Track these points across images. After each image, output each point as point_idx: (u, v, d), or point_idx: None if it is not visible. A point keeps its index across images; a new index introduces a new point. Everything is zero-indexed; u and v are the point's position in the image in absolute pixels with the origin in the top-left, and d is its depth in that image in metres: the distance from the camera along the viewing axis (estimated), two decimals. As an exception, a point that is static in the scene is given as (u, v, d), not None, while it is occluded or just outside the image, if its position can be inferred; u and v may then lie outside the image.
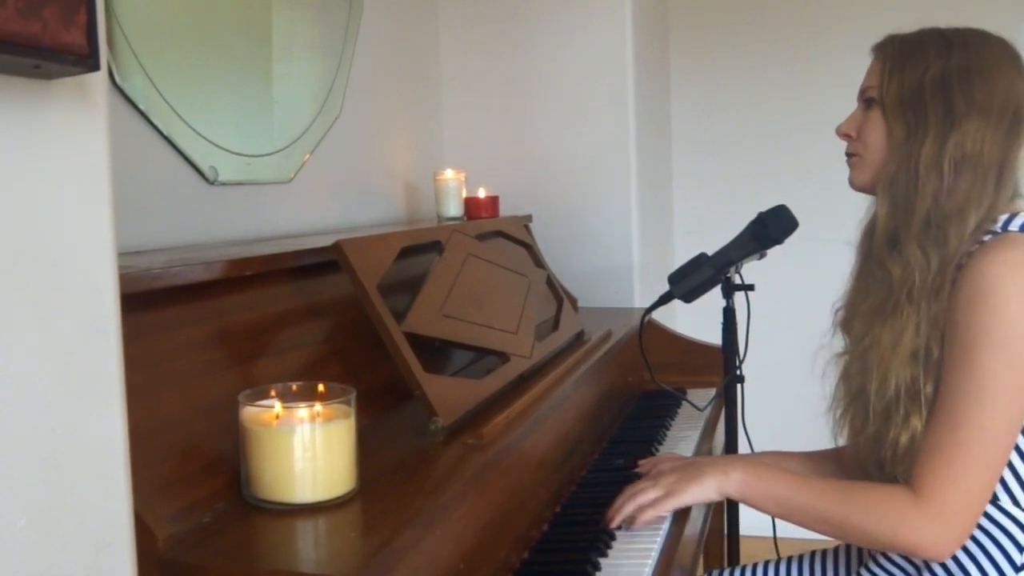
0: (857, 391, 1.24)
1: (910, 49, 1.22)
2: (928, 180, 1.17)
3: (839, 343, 1.32)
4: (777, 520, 1.64)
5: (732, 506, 1.73)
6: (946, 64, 1.18)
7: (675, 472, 1.31)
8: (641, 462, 1.53)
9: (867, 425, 1.22)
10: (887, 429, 1.19)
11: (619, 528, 1.29)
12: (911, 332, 1.16)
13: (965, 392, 1.10)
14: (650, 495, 1.29)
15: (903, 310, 1.17)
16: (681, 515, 1.35)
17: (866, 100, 1.27)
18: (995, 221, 1.16)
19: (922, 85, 1.19)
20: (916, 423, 1.16)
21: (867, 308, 1.25)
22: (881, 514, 1.14)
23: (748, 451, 1.68)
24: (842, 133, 1.30)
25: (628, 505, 1.29)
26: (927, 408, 1.15)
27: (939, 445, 1.11)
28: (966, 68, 1.17)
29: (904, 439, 1.16)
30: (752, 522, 1.58)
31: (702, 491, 1.29)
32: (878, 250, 1.24)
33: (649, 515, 1.28)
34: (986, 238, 1.15)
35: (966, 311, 1.10)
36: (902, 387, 1.17)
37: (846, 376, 1.27)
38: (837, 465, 1.40)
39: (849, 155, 1.30)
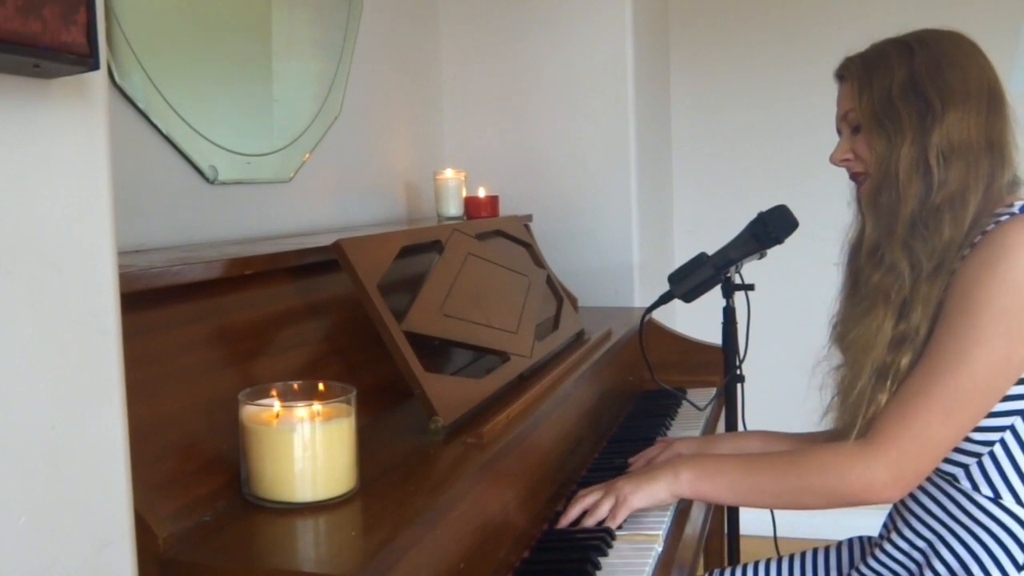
0: (843, 366, 1.26)
1: (872, 62, 1.23)
2: (910, 183, 1.18)
3: (836, 356, 1.32)
4: (776, 519, 1.66)
5: (732, 516, 1.73)
6: (911, 65, 1.19)
7: (627, 480, 1.31)
8: (631, 460, 1.53)
9: (841, 411, 1.24)
10: (855, 412, 1.20)
11: (620, 528, 1.29)
12: (888, 328, 1.17)
13: (952, 349, 1.10)
14: (604, 508, 1.28)
15: (878, 310, 1.19)
16: (681, 515, 1.36)
17: (850, 124, 1.27)
18: (1010, 205, 1.17)
19: (891, 93, 1.19)
20: (881, 398, 1.17)
21: (853, 315, 1.26)
22: (832, 467, 1.16)
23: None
24: (838, 160, 1.29)
25: (587, 521, 1.28)
26: (896, 383, 1.16)
27: (909, 394, 1.13)
28: (934, 63, 1.18)
29: (870, 413, 1.18)
30: (752, 522, 1.59)
31: (653, 495, 1.28)
32: (863, 262, 1.24)
33: (609, 523, 1.27)
34: (1003, 218, 1.15)
35: (973, 275, 1.11)
36: (875, 374, 1.18)
37: (842, 391, 1.27)
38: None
39: (856, 176, 1.29)
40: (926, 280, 1.16)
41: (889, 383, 1.17)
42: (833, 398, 1.29)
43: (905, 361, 1.16)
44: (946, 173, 1.16)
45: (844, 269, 1.33)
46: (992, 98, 1.19)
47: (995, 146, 1.18)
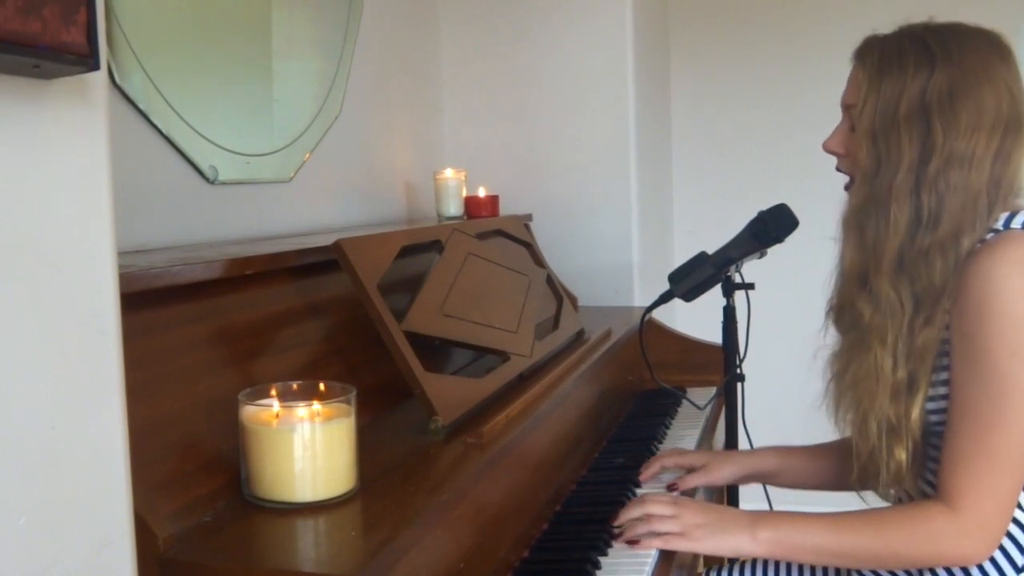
0: (844, 397, 1.23)
1: (889, 61, 1.15)
2: (902, 214, 1.13)
3: (833, 338, 1.31)
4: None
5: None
6: (926, 84, 1.12)
7: (700, 515, 1.22)
8: (643, 468, 1.51)
9: (856, 457, 1.21)
10: (874, 463, 1.18)
11: (618, 528, 1.28)
12: (887, 371, 1.15)
13: (986, 400, 1.07)
14: (667, 526, 1.21)
15: (876, 352, 1.16)
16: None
17: (850, 117, 1.22)
18: (996, 219, 1.13)
19: (897, 108, 1.13)
20: (901, 454, 1.15)
21: (845, 345, 1.23)
22: (922, 536, 1.12)
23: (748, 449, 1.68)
24: (829, 150, 1.25)
25: (640, 527, 1.22)
26: (910, 437, 1.15)
27: (968, 456, 1.09)
28: (949, 88, 1.11)
29: (892, 467, 1.16)
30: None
31: (724, 547, 1.19)
32: (848, 288, 1.21)
33: (655, 544, 1.21)
34: (988, 236, 1.12)
35: (975, 316, 1.08)
36: (883, 427, 1.16)
37: (837, 377, 1.25)
38: (839, 456, 1.39)
39: (842, 171, 1.25)
40: (922, 328, 1.13)
41: (905, 437, 1.15)
42: (829, 382, 1.28)
43: (915, 414, 1.14)
44: (939, 210, 1.12)
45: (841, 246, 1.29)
46: (1009, 127, 1.12)
47: (1001, 181, 1.13)
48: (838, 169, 1.27)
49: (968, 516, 1.10)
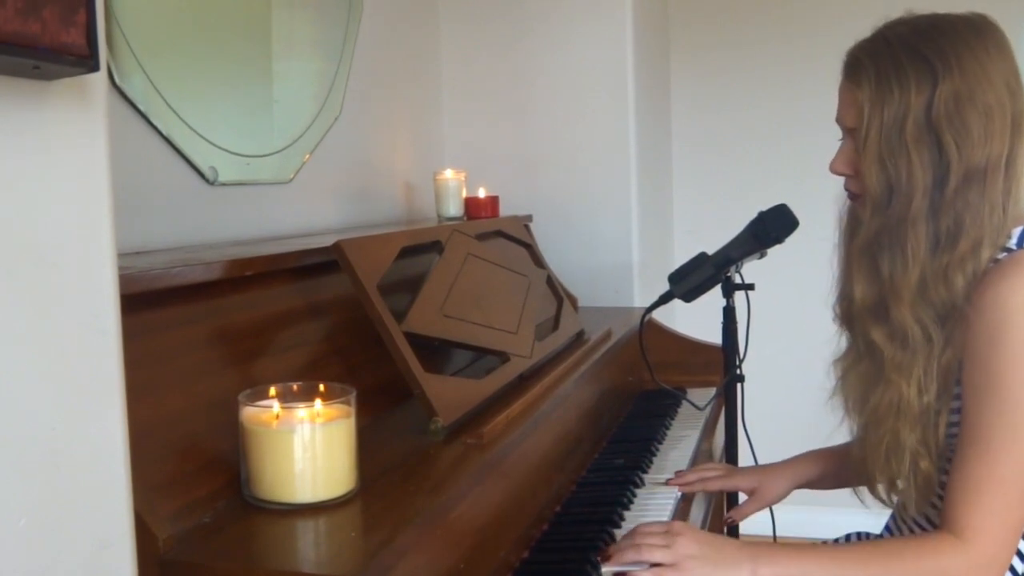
0: (860, 406, 1.21)
1: (887, 80, 1.10)
2: (920, 243, 1.09)
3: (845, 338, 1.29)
4: (777, 519, 1.66)
5: (732, 506, 1.73)
6: (931, 99, 1.07)
7: (693, 546, 1.12)
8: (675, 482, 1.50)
9: (877, 478, 1.20)
10: (897, 479, 1.17)
11: (619, 528, 1.28)
12: (913, 402, 1.12)
13: (999, 427, 1.05)
14: (656, 556, 1.11)
15: (898, 384, 1.13)
16: (680, 515, 1.35)
17: (853, 139, 1.16)
18: (1009, 236, 1.11)
19: (904, 128, 1.08)
20: (929, 468, 1.13)
21: (860, 375, 1.20)
22: (931, 570, 1.08)
23: (748, 451, 1.68)
24: (837, 172, 1.20)
25: (630, 553, 1.13)
26: (936, 448, 1.13)
27: (979, 484, 1.06)
28: (955, 100, 1.07)
29: (920, 481, 1.14)
30: (752, 522, 1.59)
31: None
32: (861, 320, 1.17)
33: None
34: (1001, 255, 1.09)
35: (989, 342, 1.05)
36: (908, 450, 1.14)
37: (860, 404, 1.22)
38: None
39: (850, 193, 1.21)
40: (943, 348, 1.10)
41: (931, 451, 1.13)
42: (841, 386, 1.25)
43: (941, 430, 1.12)
44: (958, 229, 1.08)
45: (842, 251, 1.25)
46: (1014, 125, 1.09)
47: (1011, 184, 1.10)
48: (846, 188, 1.22)
49: (980, 549, 1.06)
